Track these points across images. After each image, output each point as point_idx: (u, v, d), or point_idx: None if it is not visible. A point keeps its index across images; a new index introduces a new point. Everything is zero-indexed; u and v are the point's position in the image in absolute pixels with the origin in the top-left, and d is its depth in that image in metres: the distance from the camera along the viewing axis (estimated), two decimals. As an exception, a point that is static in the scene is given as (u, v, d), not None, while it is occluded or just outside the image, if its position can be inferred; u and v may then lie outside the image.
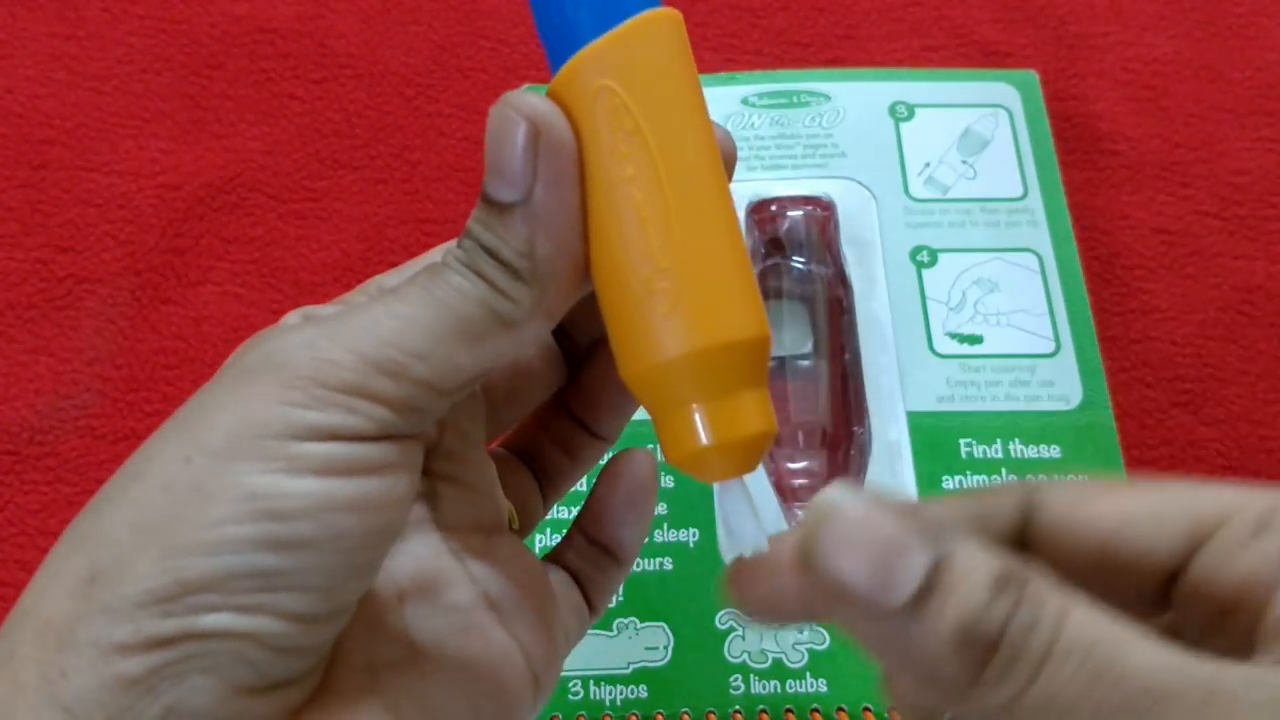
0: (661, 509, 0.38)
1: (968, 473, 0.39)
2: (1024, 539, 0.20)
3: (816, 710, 0.36)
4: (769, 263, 0.42)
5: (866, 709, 0.35)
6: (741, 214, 0.44)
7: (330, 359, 0.19)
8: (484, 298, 0.20)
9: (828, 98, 0.46)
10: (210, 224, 0.47)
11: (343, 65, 0.51)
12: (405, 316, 0.20)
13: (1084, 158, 0.48)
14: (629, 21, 0.20)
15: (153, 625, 0.18)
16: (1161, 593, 0.19)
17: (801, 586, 0.18)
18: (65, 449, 0.42)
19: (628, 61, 0.20)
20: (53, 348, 0.44)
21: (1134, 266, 0.46)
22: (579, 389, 0.27)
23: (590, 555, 0.27)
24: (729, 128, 0.45)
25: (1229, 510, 0.18)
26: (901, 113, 0.46)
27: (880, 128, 0.46)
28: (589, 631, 0.36)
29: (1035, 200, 0.44)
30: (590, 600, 0.27)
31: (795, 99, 0.46)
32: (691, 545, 0.38)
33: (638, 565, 0.38)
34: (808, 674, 0.36)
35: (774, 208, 0.44)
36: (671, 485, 0.39)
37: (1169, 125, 0.49)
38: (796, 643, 0.37)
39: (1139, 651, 0.15)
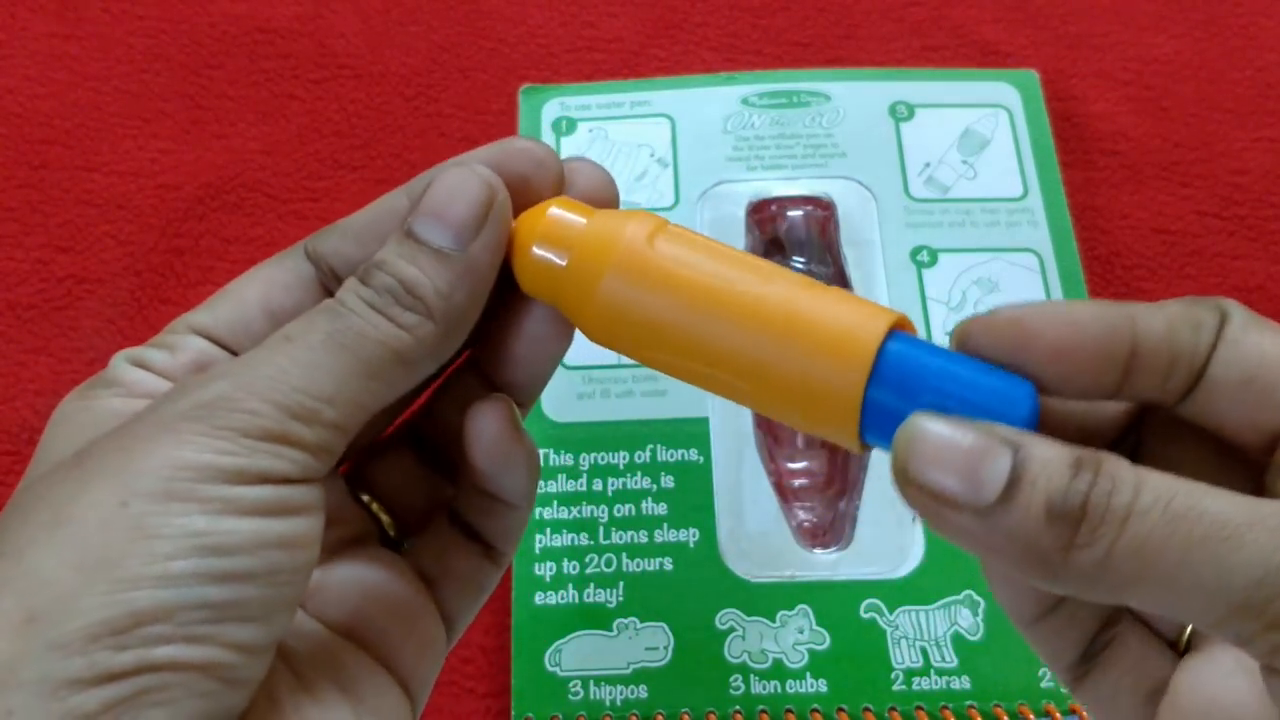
0: (661, 509, 0.38)
1: (968, 473, 0.39)
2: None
3: (816, 710, 0.36)
4: (769, 263, 0.42)
5: (866, 709, 0.35)
6: (741, 214, 0.44)
7: (250, 409, 0.20)
8: (386, 337, 0.21)
9: (828, 98, 0.46)
10: (210, 224, 0.47)
11: (343, 65, 0.51)
12: (310, 363, 0.21)
13: (1084, 157, 0.48)
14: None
15: (107, 658, 0.18)
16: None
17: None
18: (65, 449, 0.42)
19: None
20: (53, 348, 0.44)
21: (1134, 266, 0.46)
22: (489, 350, 0.26)
23: (483, 505, 0.26)
24: (729, 128, 0.45)
25: None
26: (901, 113, 0.46)
27: (880, 128, 0.46)
28: (589, 632, 0.37)
29: (1035, 200, 0.44)
30: (496, 548, 0.26)
31: (795, 99, 0.46)
32: (692, 545, 0.38)
33: (637, 565, 0.38)
34: (808, 674, 0.36)
35: (774, 208, 0.44)
36: (671, 486, 0.39)
37: (1169, 125, 0.49)
38: (796, 643, 0.37)
39: (1214, 496, 0.17)
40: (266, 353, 0.21)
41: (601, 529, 0.38)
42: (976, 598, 0.37)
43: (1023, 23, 0.52)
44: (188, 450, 0.19)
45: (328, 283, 0.25)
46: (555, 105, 0.46)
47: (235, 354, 0.24)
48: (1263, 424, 0.19)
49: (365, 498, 0.26)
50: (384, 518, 0.26)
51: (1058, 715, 0.35)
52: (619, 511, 0.38)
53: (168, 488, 0.19)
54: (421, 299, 0.22)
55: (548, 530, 0.38)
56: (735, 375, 0.21)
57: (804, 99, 0.46)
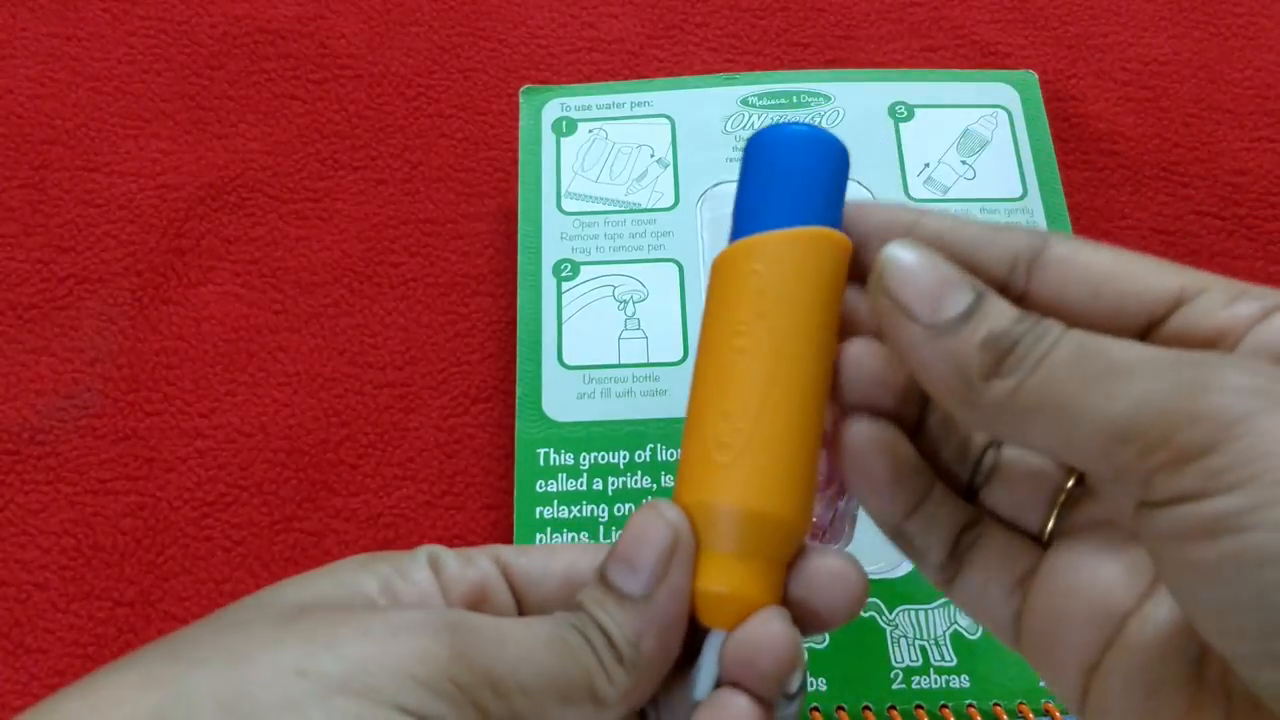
0: (661, 509, 0.38)
1: (967, 472, 0.39)
2: (1024, 274, 0.22)
3: (816, 709, 0.36)
4: (769, 263, 0.42)
5: (866, 707, 0.35)
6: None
7: (461, 657, 0.20)
8: (587, 668, 0.22)
9: (828, 98, 0.46)
10: (211, 224, 0.47)
11: (343, 66, 0.51)
12: (532, 648, 0.21)
13: (1083, 158, 0.48)
14: (806, 229, 0.23)
15: None
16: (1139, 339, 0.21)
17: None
18: (65, 449, 0.42)
19: (785, 259, 0.23)
20: (53, 348, 0.44)
21: (1133, 266, 0.46)
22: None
23: None
24: (729, 128, 0.45)
25: (1211, 284, 0.21)
26: (901, 113, 0.46)
27: (880, 128, 0.46)
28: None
29: (1034, 200, 0.44)
30: None
31: (795, 99, 0.46)
32: (691, 545, 0.38)
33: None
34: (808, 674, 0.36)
35: (774, 208, 0.44)
36: (671, 485, 0.39)
37: (1168, 125, 0.49)
38: (796, 642, 0.37)
39: (1123, 346, 0.19)
40: (506, 624, 0.22)
41: (602, 528, 0.38)
42: (976, 597, 0.37)
43: (1022, 23, 0.52)
44: (385, 664, 0.20)
45: None
46: (555, 106, 0.46)
47: (518, 593, 0.24)
48: (1122, 326, 0.21)
49: None
50: None
51: (1057, 715, 0.35)
52: (619, 511, 0.38)
53: (345, 682, 0.19)
54: (616, 647, 0.22)
55: (548, 530, 0.38)
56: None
57: (804, 99, 0.46)
